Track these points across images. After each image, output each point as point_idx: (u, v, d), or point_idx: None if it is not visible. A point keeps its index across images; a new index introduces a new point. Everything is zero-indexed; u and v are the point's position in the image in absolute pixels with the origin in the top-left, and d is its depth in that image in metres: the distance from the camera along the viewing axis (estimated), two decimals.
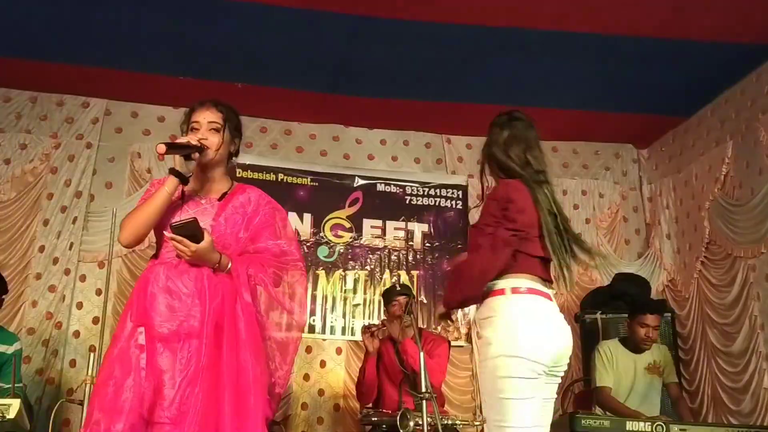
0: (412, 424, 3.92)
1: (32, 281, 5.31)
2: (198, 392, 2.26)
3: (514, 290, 2.52)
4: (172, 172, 2.47)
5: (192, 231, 2.38)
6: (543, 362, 2.44)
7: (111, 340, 2.44)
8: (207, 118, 2.58)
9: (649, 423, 3.72)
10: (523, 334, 2.44)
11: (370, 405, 4.45)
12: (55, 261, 5.38)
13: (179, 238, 2.36)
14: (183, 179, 2.48)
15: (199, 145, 2.50)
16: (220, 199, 2.60)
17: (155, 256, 2.54)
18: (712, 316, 5.36)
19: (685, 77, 5.21)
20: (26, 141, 5.58)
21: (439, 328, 5.71)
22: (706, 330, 5.42)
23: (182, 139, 2.51)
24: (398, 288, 4.86)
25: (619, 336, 4.82)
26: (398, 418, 4.03)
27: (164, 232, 2.44)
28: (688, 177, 5.85)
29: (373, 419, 4.12)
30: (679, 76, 5.18)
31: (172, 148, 2.45)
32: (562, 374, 2.61)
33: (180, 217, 2.47)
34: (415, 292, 5.65)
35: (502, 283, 2.54)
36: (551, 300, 2.60)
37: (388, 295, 4.69)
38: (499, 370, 2.44)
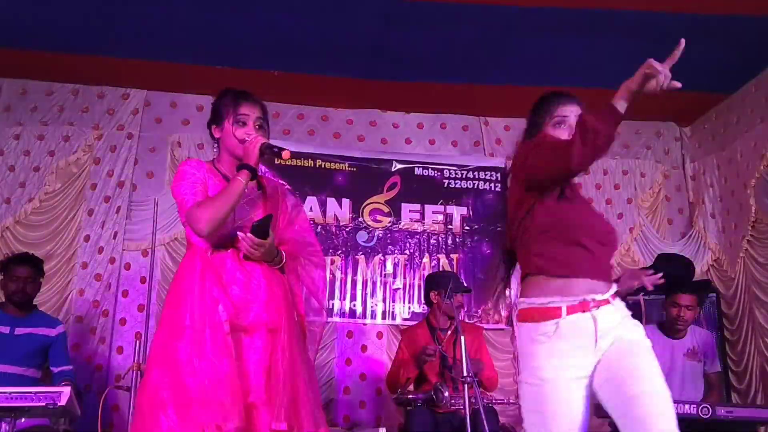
0: (446, 394, 4.03)
1: (79, 270, 5.41)
2: (280, 378, 2.36)
3: None
4: (247, 167, 2.44)
5: (266, 228, 2.42)
6: None
7: (166, 329, 2.39)
8: (256, 113, 2.60)
9: (695, 405, 3.66)
10: None
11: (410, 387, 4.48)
12: (101, 250, 5.47)
13: (259, 241, 2.40)
14: (255, 175, 2.50)
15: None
16: (259, 190, 2.67)
17: (215, 246, 2.47)
18: (760, 295, 5.26)
19: (727, 53, 5.07)
20: (69, 133, 5.67)
21: (480, 311, 5.73)
22: (753, 310, 5.31)
23: (271, 141, 2.55)
24: (465, 285, 4.87)
25: (662, 319, 4.74)
26: (432, 391, 4.12)
27: (238, 232, 2.44)
28: (732, 154, 5.72)
29: (408, 397, 4.22)
30: (722, 51, 5.03)
31: (271, 149, 2.51)
32: None
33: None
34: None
35: None
36: None
37: (451, 288, 4.25)
38: None
